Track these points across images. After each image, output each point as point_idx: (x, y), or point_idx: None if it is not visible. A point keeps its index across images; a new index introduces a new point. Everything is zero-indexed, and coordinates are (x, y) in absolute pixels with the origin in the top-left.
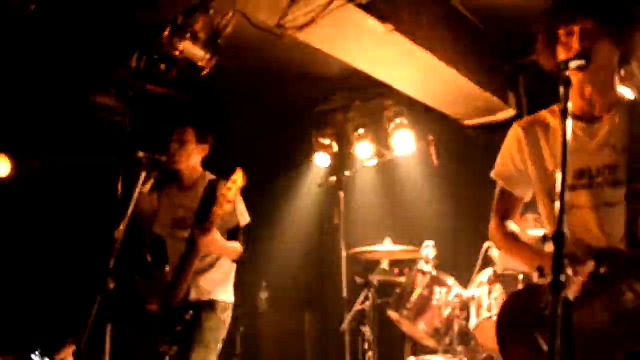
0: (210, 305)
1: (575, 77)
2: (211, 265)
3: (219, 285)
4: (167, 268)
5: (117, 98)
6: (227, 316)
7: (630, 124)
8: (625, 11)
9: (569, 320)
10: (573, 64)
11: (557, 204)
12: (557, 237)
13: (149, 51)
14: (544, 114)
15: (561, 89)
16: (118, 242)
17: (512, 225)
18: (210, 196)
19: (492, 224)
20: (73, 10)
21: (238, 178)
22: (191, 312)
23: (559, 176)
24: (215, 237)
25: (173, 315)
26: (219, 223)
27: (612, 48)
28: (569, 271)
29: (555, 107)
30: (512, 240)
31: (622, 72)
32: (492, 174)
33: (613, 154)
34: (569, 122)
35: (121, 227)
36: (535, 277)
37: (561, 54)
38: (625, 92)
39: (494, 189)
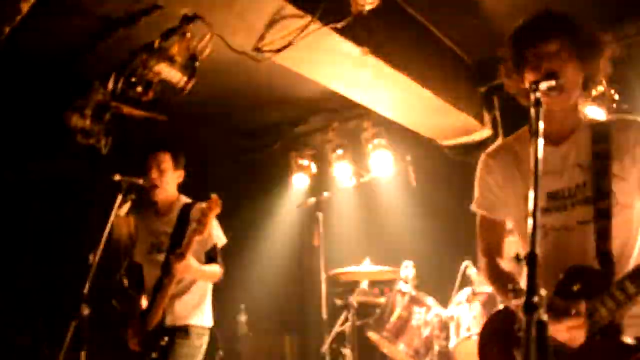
0: (186, 331)
1: (543, 100)
2: (186, 289)
3: (195, 310)
4: (144, 293)
5: (93, 121)
6: (203, 342)
7: (592, 142)
8: (591, 35)
9: (544, 340)
10: (543, 85)
11: (529, 225)
12: (530, 258)
13: (126, 74)
14: (510, 140)
15: (532, 110)
16: (93, 266)
17: (501, 263)
18: (185, 220)
19: (480, 263)
20: (49, 31)
21: (213, 204)
22: (166, 338)
23: (531, 197)
24: (191, 263)
25: (148, 341)
26: (196, 248)
27: (578, 71)
28: (543, 292)
29: (521, 132)
30: (496, 280)
31: (594, 92)
32: (473, 207)
33: (581, 173)
34: (541, 141)
35: (97, 251)
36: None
37: (530, 76)
38: (596, 112)
39: (472, 208)
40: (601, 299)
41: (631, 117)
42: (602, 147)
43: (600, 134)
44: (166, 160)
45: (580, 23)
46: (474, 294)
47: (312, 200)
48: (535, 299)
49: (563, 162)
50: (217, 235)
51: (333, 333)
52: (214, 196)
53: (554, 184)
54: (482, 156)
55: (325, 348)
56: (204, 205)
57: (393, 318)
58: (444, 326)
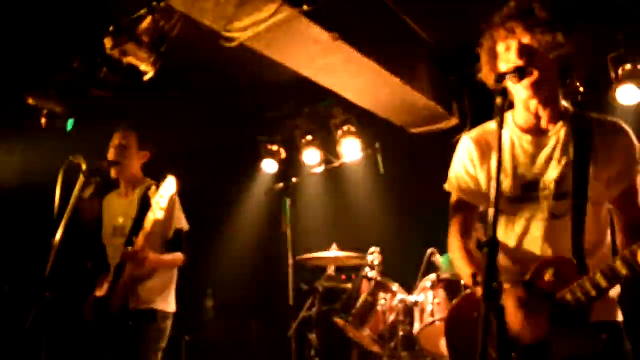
0: (150, 315)
1: (522, 92)
2: (149, 275)
3: (159, 295)
4: (107, 276)
5: (58, 101)
6: (167, 326)
7: (574, 137)
8: (563, 28)
9: (503, 327)
10: (509, 76)
11: (491, 213)
12: (490, 244)
13: (92, 54)
14: (490, 126)
15: (498, 100)
16: (54, 250)
17: (470, 247)
18: (148, 203)
19: (452, 242)
20: (17, 12)
21: (170, 185)
22: (130, 322)
23: (493, 185)
24: (147, 257)
25: (112, 324)
26: (154, 231)
27: (551, 62)
28: (503, 279)
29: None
30: (462, 263)
31: (566, 86)
32: (447, 187)
33: (559, 167)
34: (506, 132)
35: (59, 234)
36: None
37: (502, 67)
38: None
39: (440, 196)
40: (571, 289)
41: (613, 119)
42: (583, 145)
43: (582, 132)
44: (130, 138)
45: (555, 18)
46: (439, 280)
47: (280, 185)
48: (494, 284)
49: (542, 154)
50: (179, 219)
51: (299, 318)
52: (170, 177)
53: (530, 175)
54: (463, 137)
55: (291, 333)
56: (159, 185)
57: (359, 304)
58: (409, 312)
